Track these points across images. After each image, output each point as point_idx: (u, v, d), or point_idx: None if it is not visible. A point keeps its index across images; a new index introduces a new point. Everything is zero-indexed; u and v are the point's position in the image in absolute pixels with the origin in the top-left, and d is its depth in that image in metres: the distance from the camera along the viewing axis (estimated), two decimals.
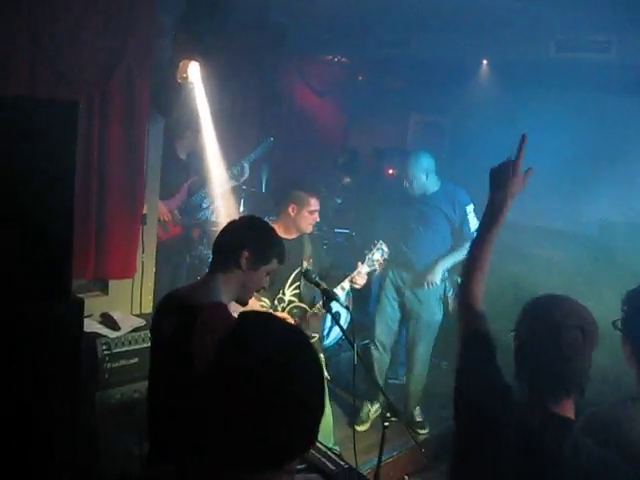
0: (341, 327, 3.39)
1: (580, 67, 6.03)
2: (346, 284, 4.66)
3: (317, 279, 3.50)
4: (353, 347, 3.20)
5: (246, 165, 5.94)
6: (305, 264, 4.72)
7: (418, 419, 5.98)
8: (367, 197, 7.45)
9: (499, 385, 2.26)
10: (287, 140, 7.60)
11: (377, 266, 4.79)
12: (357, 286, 4.71)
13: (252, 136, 6.82)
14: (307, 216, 4.66)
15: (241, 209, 6.21)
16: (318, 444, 3.30)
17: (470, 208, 5.67)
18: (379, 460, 3.31)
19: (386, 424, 3.22)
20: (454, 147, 8.68)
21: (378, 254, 4.75)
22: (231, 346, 1.53)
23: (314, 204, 4.68)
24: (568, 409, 2.13)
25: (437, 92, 7.90)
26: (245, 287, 2.87)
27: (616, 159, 6.76)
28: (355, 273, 4.67)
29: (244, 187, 6.20)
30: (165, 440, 2.67)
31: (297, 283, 4.67)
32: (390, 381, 6.55)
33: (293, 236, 4.71)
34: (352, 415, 5.84)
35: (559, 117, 7.00)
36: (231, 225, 2.97)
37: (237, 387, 1.45)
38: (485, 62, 6.96)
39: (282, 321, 1.67)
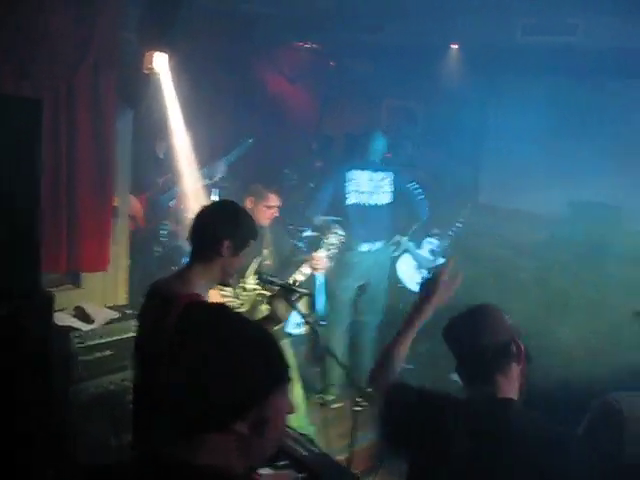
0: (307, 320, 3.41)
1: (547, 50, 6.07)
2: (306, 269, 4.67)
3: (270, 278, 3.54)
4: (317, 338, 3.23)
5: (223, 165, 6.00)
6: (265, 252, 4.82)
7: None
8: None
9: (429, 399, 2.38)
10: (260, 127, 7.60)
11: (335, 250, 4.83)
12: (319, 268, 4.74)
13: (224, 125, 6.82)
14: (264, 210, 4.77)
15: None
16: (289, 429, 3.34)
17: None
18: (351, 445, 3.35)
19: (357, 409, 3.25)
20: (427, 131, 8.73)
21: (334, 238, 4.80)
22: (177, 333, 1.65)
23: (272, 200, 4.79)
24: (505, 390, 2.26)
25: (409, 77, 7.92)
26: (227, 272, 2.99)
27: (583, 140, 6.85)
28: (313, 257, 4.70)
29: (217, 179, 6.21)
30: (147, 429, 2.72)
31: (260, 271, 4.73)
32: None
33: None
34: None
35: (528, 100, 7.07)
36: (205, 213, 3.03)
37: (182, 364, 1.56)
38: (455, 47, 6.99)
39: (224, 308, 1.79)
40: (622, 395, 2.53)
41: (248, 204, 4.76)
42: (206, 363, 1.53)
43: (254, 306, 4.71)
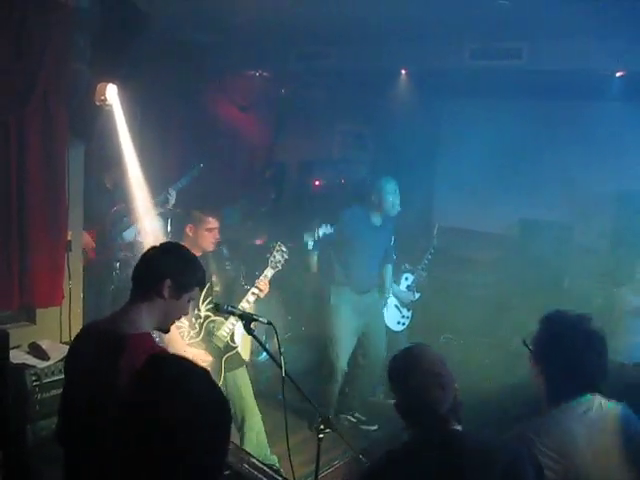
0: (266, 349, 3.40)
1: (495, 73, 6.21)
2: (250, 297, 4.80)
3: (229, 308, 3.53)
4: (281, 367, 3.21)
5: (173, 192, 5.99)
6: (213, 278, 4.89)
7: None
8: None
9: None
10: (213, 156, 7.59)
11: (280, 267, 4.94)
12: (262, 294, 4.84)
13: (176, 154, 6.80)
14: (206, 234, 4.79)
15: (168, 229, 6.17)
16: (254, 460, 3.31)
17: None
18: (316, 472, 3.34)
19: (321, 436, 3.23)
20: (377, 156, 8.83)
21: (279, 255, 4.90)
22: (140, 393, 1.57)
23: (211, 222, 4.81)
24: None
25: (359, 103, 8.02)
26: (167, 315, 2.81)
27: (532, 160, 7.01)
28: (259, 280, 4.82)
29: (170, 208, 6.18)
30: None
31: (210, 298, 4.77)
32: (369, 398, 6.63)
33: (197, 254, 4.78)
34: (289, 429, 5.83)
35: (477, 122, 7.20)
36: (150, 253, 2.88)
37: (145, 435, 1.49)
38: (404, 72, 7.08)
39: (187, 363, 1.71)
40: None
41: (189, 232, 4.80)
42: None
43: (209, 333, 4.76)
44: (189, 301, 2.87)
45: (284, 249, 4.94)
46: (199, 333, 4.74)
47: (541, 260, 6.66)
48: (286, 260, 4.98)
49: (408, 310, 6.79)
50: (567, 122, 7.08)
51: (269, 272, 4.88)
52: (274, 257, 4.90)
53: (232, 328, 4.77)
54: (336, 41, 6.71)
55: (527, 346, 2.76)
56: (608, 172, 6.80)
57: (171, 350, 4.38)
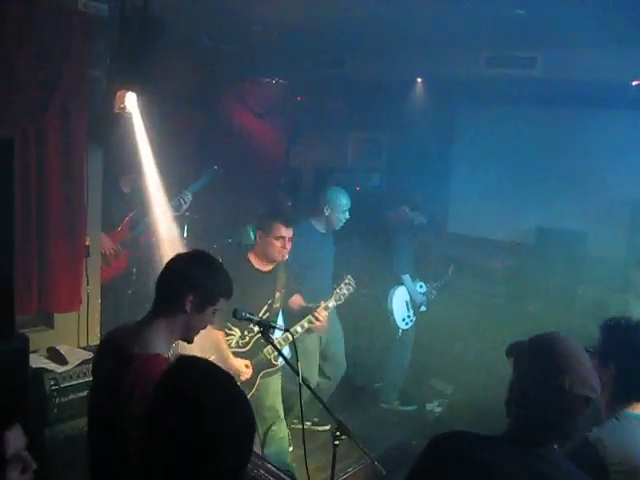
0: (283, 356, 3.42)
1: (510, 82, 6.22)
2: (305, 324, 4.68)
3: (246, 315, 3.48)
4: (298, 374, 3.22)
5: (188, 195, 5.99)
6: (277, 294, 4.72)
7: None
8: None
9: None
10: (229, 162, 7.63)
11: (343, 300, 4.86)
12: (318, 323, 4.70)
13: (194, 162, 6.84)
14: (274, 243, 4.52)
15: (185, 235, 6.21)
16: (270, 465, 3.33)
17: None
18: (332, 478, 3.35)
19: (336, 442, 3.23)
20: (392, 163, 8.85)
21: (346, 289, 4.82)
22: (162, 395, 1.63)
23: (281, 231, 4.52)
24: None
25: (374, 110, 8.05)
26: (190, 328, 2.78)
27: (547, 168, 7.00)
28: (319, 310, 4.70)
29: (187, 213, 6.21)
30: None
31: (268, 314, 4.64)
32: (383, 405, 6.71)
33: (267, 268, 4.68)
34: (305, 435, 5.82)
35: (492, 130, 7.20)
36: (174, 264, 2.81)
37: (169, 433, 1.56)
38: (419, 80, 7.11)
39: (212, 366, 1.76)
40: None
41: (258, 239, 4.62)
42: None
43: (256, 348, 4.66)
44: (214, 313, 2.82)
45: (352, 283, 4.80)
46: (247, 344, 4.63)
47: (557, 268, 6.65)
48: (351, 294, 4.87)
49: (414, 314, 6.79)
50: (582, 130, 7.07)
51: (331, 303, 4.75)
52: (340, 289, 4.79)
53: (279, 349, 4.62)
54: (352, 49, 6.74)
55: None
56: (624, 180, 6.78)
57: (215, 355, 4.37)
